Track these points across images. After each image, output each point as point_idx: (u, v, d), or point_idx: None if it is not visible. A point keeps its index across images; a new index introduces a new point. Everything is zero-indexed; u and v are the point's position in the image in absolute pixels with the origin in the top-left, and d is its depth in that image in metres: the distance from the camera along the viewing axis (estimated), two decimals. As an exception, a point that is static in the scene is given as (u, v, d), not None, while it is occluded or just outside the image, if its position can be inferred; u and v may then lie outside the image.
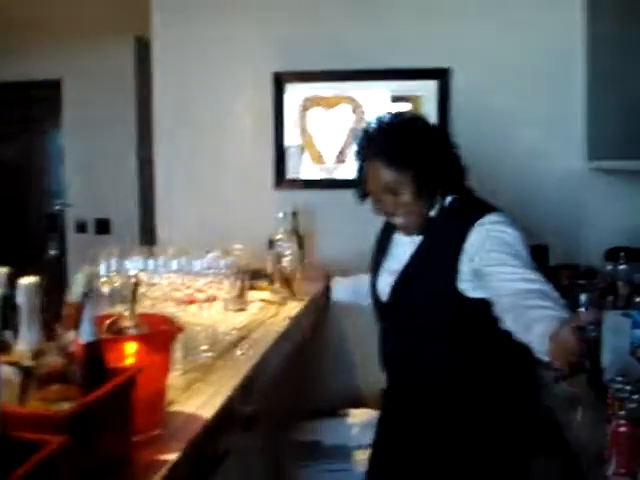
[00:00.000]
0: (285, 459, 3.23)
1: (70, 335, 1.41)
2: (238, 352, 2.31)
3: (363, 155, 2.24)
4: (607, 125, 3.17)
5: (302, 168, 3.79)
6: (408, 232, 2.25)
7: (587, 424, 1.96)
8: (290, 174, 3.77)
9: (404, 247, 2.28)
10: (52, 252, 4.74)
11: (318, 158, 3.76)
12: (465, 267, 2.08)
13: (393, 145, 2.16)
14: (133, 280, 1.72)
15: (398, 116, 2.27)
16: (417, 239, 2.24)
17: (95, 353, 1.39)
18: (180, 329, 1.63)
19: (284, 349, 2.68)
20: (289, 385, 3.23)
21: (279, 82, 3.73)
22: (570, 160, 3.52)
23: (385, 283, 2.30)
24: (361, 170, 2.26)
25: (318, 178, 3.75)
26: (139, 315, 1.64)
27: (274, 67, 3.73)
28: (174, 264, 2.39)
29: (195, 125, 3.81)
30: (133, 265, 2.53)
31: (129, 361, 1.54)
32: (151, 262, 2.44)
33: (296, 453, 3.27)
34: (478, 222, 2.09)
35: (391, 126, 2.22)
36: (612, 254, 2.81)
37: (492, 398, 2.19)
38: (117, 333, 1.61)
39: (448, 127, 3.56)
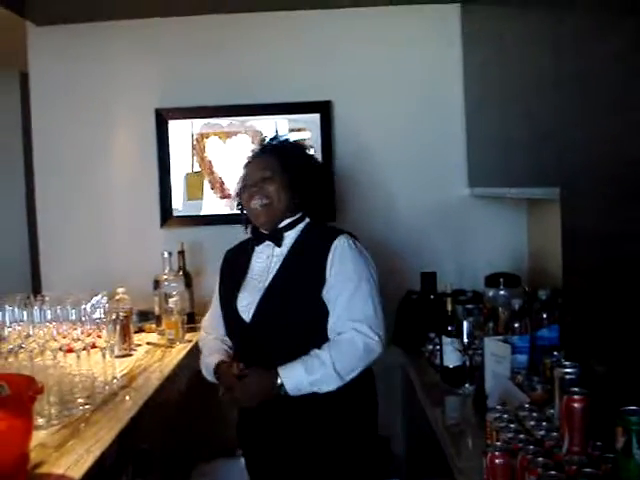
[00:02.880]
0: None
1: None
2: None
3: (252, 157, 2.43)
4: (484, 153, 3.25)
5: (204, 197, 3.71)
6: (260, 220, 2.36)
7: (472, 451, 1.97)
8: (180, 210, 3.70)
9: (263, 263, 2.37)
10: None
11: (219, 186, 3.70)
12: (328, 276, 2.26)
13: (285, 148, 2.44)
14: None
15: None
16: (279, 255, 2.35)
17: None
18: (41, 390, 1.55)
19: (172, 393, 2.61)
20: (182, 428, 3.15)
21: (162, 119, 3.66)
22: (453, 187, 3.60)
23: (247, 301, 2.33)
24: (245, 172, 2.41)
25: (207, 213, 3.69)
26: (-2, 376, 1.56)
27: (157, 103, 3.66)
28: (49, 314, 2.30)
29: (76, 165, 3.70)
30: (8, 316, 2.43)
31: (-12, 426, 1.45)
32: (25, 312, 2.34)
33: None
34: (337, 237, 2.30)
35: (286, 139, 2.53)
36: (492, 280, 2.87)
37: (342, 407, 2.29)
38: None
39: (333, 157, 3.61)
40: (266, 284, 2.32)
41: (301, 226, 2.39)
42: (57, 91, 3.70)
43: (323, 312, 2.27)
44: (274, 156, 2.38)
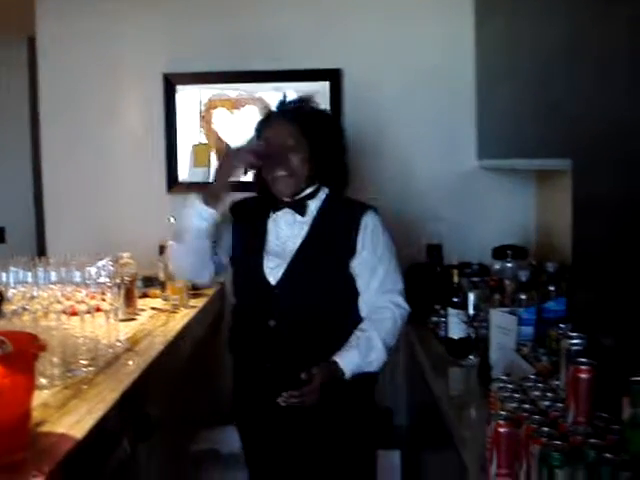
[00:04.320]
0: (183, 469, 3.16)
1: None
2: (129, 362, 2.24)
3: (273, 118, 2.37)
4: (494, 124, 3.21)
5: (211, 165, 3.68)
6: (281, 188, 2.32)
7: (475, 421, 1.96)
8: (187, 176, 3.68)
9: (287, 230, 2.35)
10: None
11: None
12: (358, 247, 2.29)
13: (307, 113, 2.37)
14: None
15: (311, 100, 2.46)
16: (303, 222, 2.33)
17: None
18: (44, 347, 1.54)
19: (175, 358, 2.61)
20: (184, 393, 3.15)
21: (170, 84, 3.63)
22: (462, 159, 3.57)
23: (274, 264, 2.30)
24: (265, 135, 2.33)
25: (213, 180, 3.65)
26: (1, 332, 1.55)
27: (165, 68, 3.63)
28: (53, 276, 2.29)
29: (83, 130, 3.68)
30: (12, 277, 2.42)
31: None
32: (29, 274, 2.34)
33: (193, 462, 3.21)
34: (366, 212, 2.33)
35: (307, 104, 2.43)
36: (499, 252, 2.85)
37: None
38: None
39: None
40: (294, 249, 2.31)
41: (322, 195, 2.37)
42: (64, 55, 3.68)
43: (349, 280, 2.33)
44: (296, 122, 2.30)
